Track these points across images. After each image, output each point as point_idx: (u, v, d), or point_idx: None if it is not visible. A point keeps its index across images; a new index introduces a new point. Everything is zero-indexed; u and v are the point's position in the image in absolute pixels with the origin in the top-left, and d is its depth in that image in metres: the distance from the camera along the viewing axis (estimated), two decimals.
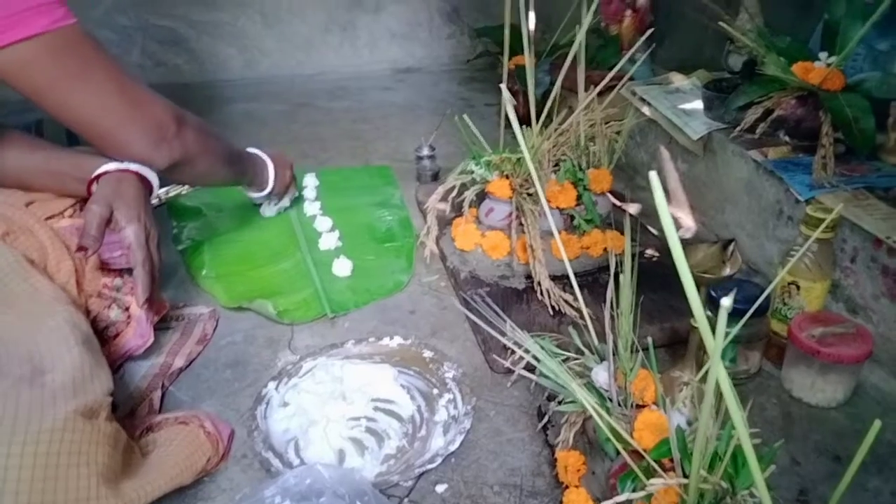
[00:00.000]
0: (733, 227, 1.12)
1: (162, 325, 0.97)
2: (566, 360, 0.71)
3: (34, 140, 0.93)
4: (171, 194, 1.43)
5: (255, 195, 1.23)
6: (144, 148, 0.87)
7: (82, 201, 0.92)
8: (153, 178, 0.92)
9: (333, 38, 2.28)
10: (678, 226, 1.25)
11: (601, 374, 0.64)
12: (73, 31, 0.77)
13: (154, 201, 1.40)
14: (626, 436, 0.56)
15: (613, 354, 0.63)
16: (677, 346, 0.89)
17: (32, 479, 0.52)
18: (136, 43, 2.16)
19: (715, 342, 0.33)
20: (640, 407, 0.62)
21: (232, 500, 0.71)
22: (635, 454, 0.57)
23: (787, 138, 1.06)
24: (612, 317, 0.64)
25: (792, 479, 0.70)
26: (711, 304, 0.81)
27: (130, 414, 0.80)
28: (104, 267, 0.90)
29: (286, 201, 1.30)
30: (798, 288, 0.81)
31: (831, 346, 0.75)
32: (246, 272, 1.11)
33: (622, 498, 0.44)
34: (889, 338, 0.82)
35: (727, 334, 0.77)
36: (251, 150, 1.19)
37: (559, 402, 0.65)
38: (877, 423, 0.37)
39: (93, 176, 0.87)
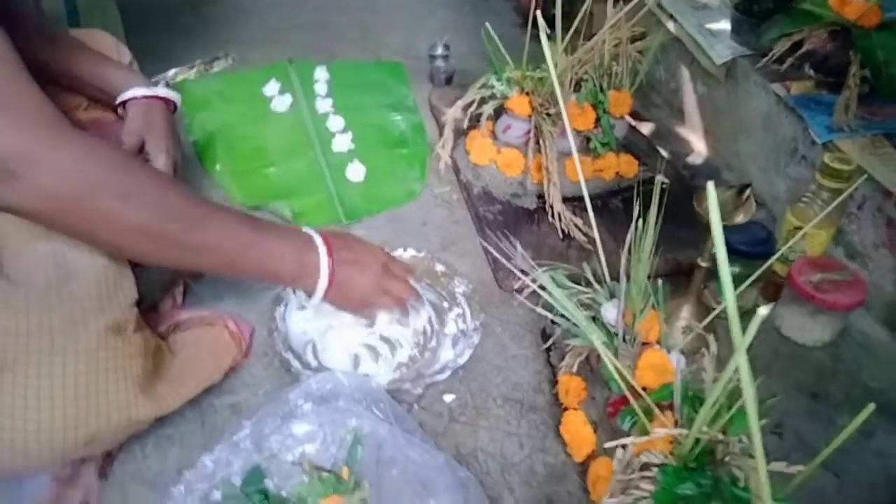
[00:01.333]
0: (745, 157, 1.13)
1: None
2: (577, 292, 0.75)
3: (52, 31, 0.89)
4: (179, 78, 1.40)
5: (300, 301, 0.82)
6: None
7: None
8: (177, 99, 0.92)
9: None
10: (689, 149, 1.26)
11: (610, 311, 0.68)
12: None
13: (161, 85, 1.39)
14: (628, 376, 0.61)
15: (625, 294, 0.66)
16: (678, 276, 0.93)
17: (76, 396, 0.56)
18: None
19: (742, 339, 0.35)
20: (644, 345, 0.67)
21: (255, 395, 0.76)
22: (636, 392, 0.61)
23: (811, 73, 1.04)
24: (627, 259, 0.67)
25: (770, 411, 0.76)
26: None
27: (153, 308, 0.84)
28: None
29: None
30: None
31: (827, 292, 0.79)
32: (259, 170, 1.12)
33: (627, 441, 0.49)
34: (881, 286, 0.86)
35: (744, 279, 0.80)
36: (309, 232, 0.74)
37: (566, 335, 0.69)
38: (870, 407, 0.40)
39: (120, 101, 0.86)
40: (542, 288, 0.66)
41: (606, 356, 0.51)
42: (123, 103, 0.88)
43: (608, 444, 0.50)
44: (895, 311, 0.85)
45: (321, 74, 1.39)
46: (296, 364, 0.78)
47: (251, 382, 0.77)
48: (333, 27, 1.68)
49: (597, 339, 0.52)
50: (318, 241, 0.72)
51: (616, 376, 0.53)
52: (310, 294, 0.74)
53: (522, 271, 0.90)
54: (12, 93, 0.54)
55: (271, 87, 1.32)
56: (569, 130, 0.74)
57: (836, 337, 0.84)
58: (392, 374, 0.78)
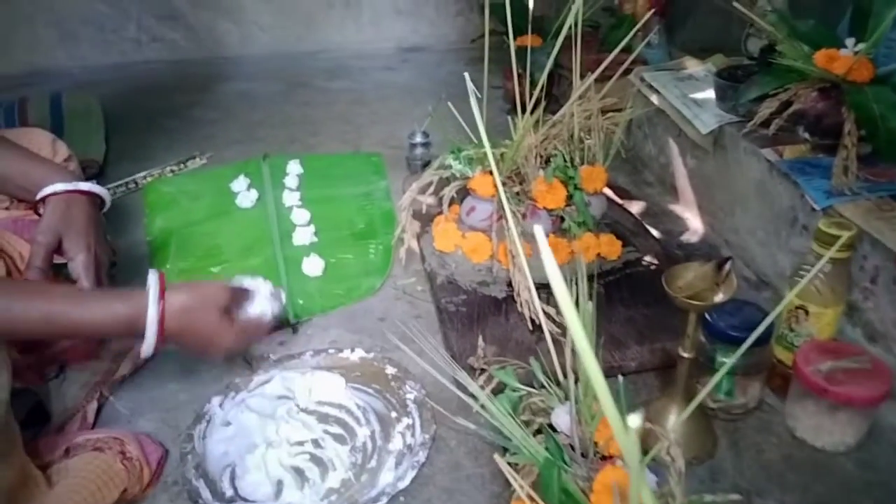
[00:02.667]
0: (743, 232, 1.02)
1: None
2: (529, 394, 0.62)
3: None
4: (149, 179, 1.36)
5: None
6: None
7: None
8: (105, 195, 0.85)
9: (336, 14, 2.18)
10: (684, 228, 1.15)
11: (562, 417, 0.55)
12: None
13: (130, 186, 1.35)
14: (581, 499, 0.48)
15: (574, 395, 0.54)
16: (670, 370, 0.80)
17: None
18: (131, 17, 2.09)
19: (634, 460, 0.23)
20: (605, 459, 0.54)
21: None
22: None
23: (806, 135, 0.94)
24: (573, 349, 0.55)
25: None
26: (707, 331, 0.72)
27: (60, 429, 0.74)
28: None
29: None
30: (807, 313, 0.71)
31: (841, 383, 0.65)
32: (209, 269, 1.04)
33: None
34: None
35: (723, 365, 0.67)
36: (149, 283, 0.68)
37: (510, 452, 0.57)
38: None
39: (39, 197, 0.80)
40: (472, 395, 0.54)
41: (517, 484, 0.38)
42: (43, 200, 0.81)
43: None
44: None
45: (293, 168, 1.34)
46: (206, 495, 0.66)
47: None
48: (316, 121, 1.66)
49: (510, 459, 0.40)
50: (152, 294, 0.67)
51: None
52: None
53: (482, 370, 0.78)
54: None
55: (239, 183, 1.27)
56: (508, 212, 0.65)
57: (864, 439, 0.69)
58: None
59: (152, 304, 0.65)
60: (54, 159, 0.90)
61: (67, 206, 0.80)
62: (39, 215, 0.82)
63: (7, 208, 0.84)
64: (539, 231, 0.29)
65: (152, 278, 0.68)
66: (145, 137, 1.57)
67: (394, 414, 0.76)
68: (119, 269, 0.94)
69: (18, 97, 1.64)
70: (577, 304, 0.59)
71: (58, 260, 0.82)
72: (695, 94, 1.16)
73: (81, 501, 0.58)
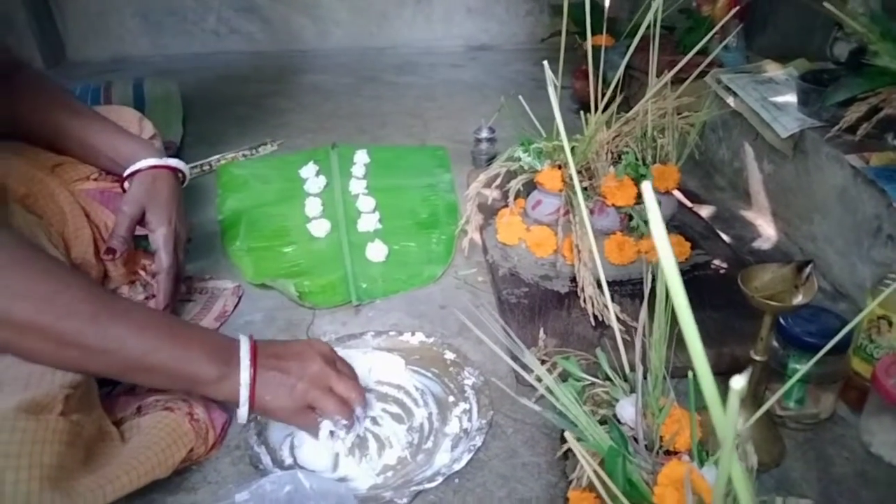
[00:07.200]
0: (821, 241, 0.98)
1: (184, 297, 0.94)
2: (593, 384, 0.61)
3: (77, 104, 0.89)
4: (222, 162, 1.41)
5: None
6: None
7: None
8: (187, 172, 0.90)
9: (407, 12, 2.20)
10: (756, 234, 1.11)
11: (627, 409, 0.54)
12: None
13: (205, 168, 1.40)
14: (645, 490, 0.47)
15: (642, 388, 0.53)
16: (737, 374, 0.77)
17: None
18: (212, 9, 2.16)
19: (726, 426, 0.23)
20: (670, 454, 0.52)
21: (215, 494, 0.66)
22: None
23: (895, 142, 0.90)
24: (643, 342, 0.54)
25: None
26: (781, 335, 0.69)
27: (131, 390, 0.77)
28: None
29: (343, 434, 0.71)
30: (890, 324, 0.68)
31: None
32: (278, 248, 1.07)
33: None
34: None
35: (796, 372, 0.64)
36: (238, 337, 0.66)
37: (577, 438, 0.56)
38: None
39: (127, 173, 0.85)
40: (539, 379, 0.54)
41: (598, 480, 0.38)
42: (131, 175, 0.85)
43: None
44: None
45: (360, 157, 1.36)
46: (266, 461, 0.68)
47: (214, 479, 0.67)
48: (384, 114, 1.68)
49: (581, 445, 0.39)
50: (245, 346, 0.64)
51: (606, 497, 0.39)
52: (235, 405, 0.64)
53: (542, 362, 0.78)
54: None
55: (308, 169, 1.30)
56: (581, 203, 0.65)
57: None
58: (374, 479, 0.66)
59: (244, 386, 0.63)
60: (141, 136, 0.94)
61: (153, 181, 0.84)
62: (124, 190, 0.86)
63: (95, 179, 0.88)
64: (658, 218, 0.26)
65: (244, 348, 0.64)
66: (220, 123, 1.62)
67: (451, 398, 0.76)
68: (192, 246, 0.98)
69: (104, 82, 1.73)
70: (650, 302, 0.58)
71: (140, 231, 0.86)
72: (775, 98, 1.12)
73: (152, 457, 0.60)
